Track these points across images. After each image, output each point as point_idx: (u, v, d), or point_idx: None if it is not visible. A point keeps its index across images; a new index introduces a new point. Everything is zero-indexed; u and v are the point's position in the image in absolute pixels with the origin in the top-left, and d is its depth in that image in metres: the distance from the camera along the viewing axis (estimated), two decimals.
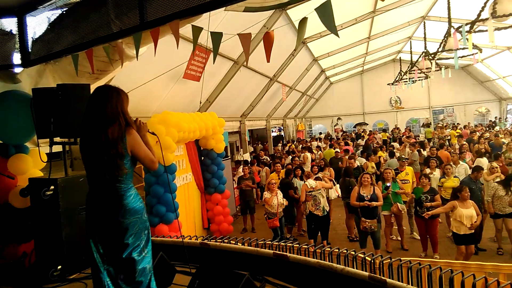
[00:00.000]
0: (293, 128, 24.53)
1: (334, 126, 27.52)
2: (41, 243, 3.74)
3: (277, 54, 13.11)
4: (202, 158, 8.89)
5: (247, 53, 2.91)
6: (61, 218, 3.53)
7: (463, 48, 10.24)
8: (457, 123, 23.73)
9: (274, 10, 9.10)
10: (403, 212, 7.50)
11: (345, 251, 4.13)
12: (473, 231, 6.22)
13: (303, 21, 2.78)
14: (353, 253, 4.15)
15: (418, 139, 19.99)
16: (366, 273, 2.74)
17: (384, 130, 24.92)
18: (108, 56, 3.89)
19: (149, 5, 2.84)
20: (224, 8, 5.43)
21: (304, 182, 7.86)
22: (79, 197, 3.04)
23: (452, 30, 9.56)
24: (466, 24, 8.10)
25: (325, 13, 2.34)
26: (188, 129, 7.08)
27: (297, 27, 3.80)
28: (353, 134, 23.07)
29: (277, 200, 7.64)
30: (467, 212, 6.21)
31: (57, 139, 3.87)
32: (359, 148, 18.19)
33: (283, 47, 12.97)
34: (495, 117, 23.72)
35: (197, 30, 2.97)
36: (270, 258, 3.32)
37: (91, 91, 2.97)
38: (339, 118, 27.61)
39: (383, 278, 2.65)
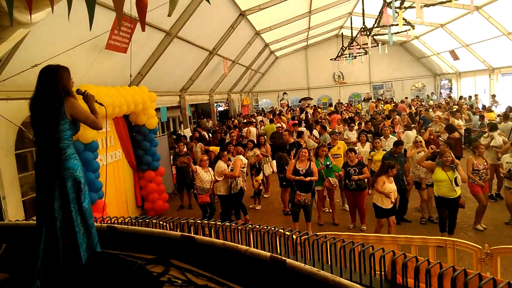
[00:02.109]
0: (238, 103, 24.30)
1: (280, 100, 27.64)
2: None
3: (216, 27, 12.71)
4: (134, 134, 8.50)
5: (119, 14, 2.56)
6: None
7: (396, 24, 10.44)
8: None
9: None
10: (335, 185, 7.66)
11: (265, 227, 4.07)
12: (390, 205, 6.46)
13: None
14: (273, 229, 4.09)
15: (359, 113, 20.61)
16: (268, 254, 2.68)
17: (330, 105, 25.47)
18: None
19: None
20: None
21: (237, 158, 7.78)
22: None
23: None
24: (396, 0, 8.20)
25: None
26: (111, 104, 6.65)
27: None
28: (298, 109, 23.33)
29: (210, 175, 7.50)
30: (392, 187, 6.43)
31: None
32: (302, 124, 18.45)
33: (221, 20, 12.58)
34: (431, 93, 24.98)
35: None
36: (178, 240, 3.17)
37: None
38: (284, 93, 27.75)
39: (283, 258, 2.60)
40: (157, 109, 11.43)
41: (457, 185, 5.97)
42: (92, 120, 2.93)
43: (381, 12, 11.06)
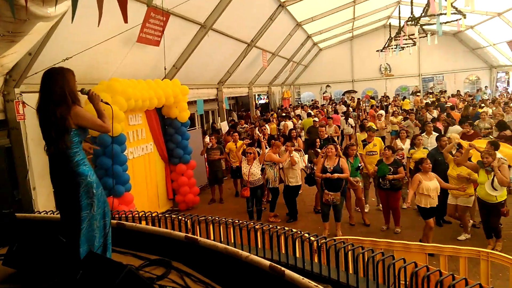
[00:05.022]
0: (279, 96, 24.03)
1: (323, 93, 27.02)
2: None
3: (254, 18, 12.52)
4: (166, 127, 8.57)
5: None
6: None
7: (444, 13, 9.72)
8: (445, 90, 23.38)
9: None
10: (358, 184, 7.28)
11: (284, 229, 3.88)
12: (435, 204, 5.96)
13: None
14: (290, 232, 3.89)
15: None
16: (268, 263, 2.51)
17: (373, 98, 24.52)
18: (14, 16, 3.47)
19: None
20: None
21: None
22: None
23: None
24: None
25: None
26: (140, 97, 6.70)
27: None
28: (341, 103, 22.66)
29: (248, 169, 7.42)
30: (432, 184, 5.97)
31: None
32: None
33: (258, 11, 12.37)
34: (485, 86, 23.30)
35: None
36: (182, 242, 3.08)
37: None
38: (328, 86, 27.07)
39: (282, 269, 2.41)
40: (194, 102, 11.55)
41: (494, 189, 5.38)
42: (99, 125, 2.90)
43: (429, 1, 10.37)
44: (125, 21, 2.46)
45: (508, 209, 5.88)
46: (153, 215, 4.01)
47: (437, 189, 5.97)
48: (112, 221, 3.60)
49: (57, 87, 2.69)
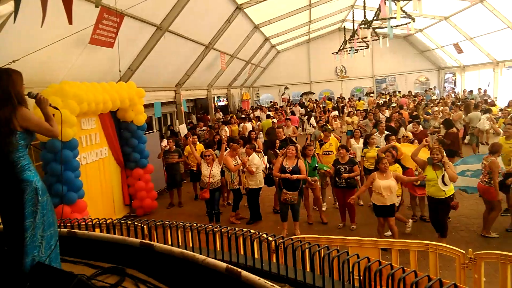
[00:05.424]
0: (238, 98, 24.07)
1: (282, 95, 27.38)
2: None
3: (211, 20, 12.48)
4: (122, 131, 8.34)
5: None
6: None
7: (395, 17, 10.15)
8: (398, 91, 24.45)
9: None
10: (316, 184, 7.43)
11: (242, 230, 3.89)
12: (387, 202, 6.12)
13: None
14: (249, 233, 3.91)
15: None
16: (225, 265, 2.51)
17: (330, 99, 25.15)
18: None
19: None
20: None
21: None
22: None
23: None
24: None
25: None
26: (93, 100, 6.48)
27: None
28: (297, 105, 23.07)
29: (209, 170, 7.35)
30: (384, 183, 6.15)
31: None
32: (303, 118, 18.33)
33: (216, 13, 12.35)
34: (434, 87, 24.58)
35: None
36: (137, 248, 3.01)
37: None
38: (286, 87, 27.46)
39: (239, 270, 2.43)
40: (151, 105, 11.32)
41: (445, 184, 5.69)
42: (46, 128, 2.77)
43: (380, 5, 10.80)
44: (70, 22, 2.39)
45: (457, 201, 6.23)
46: (108, 222, 3.89)
47: (390, 188, 6.05)
48: (63, 229, 3.46)
49: (2, 87, 2.58)
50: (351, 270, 2.86)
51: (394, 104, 17.13)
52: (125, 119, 8.23)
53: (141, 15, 8.51)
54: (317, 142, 8.50)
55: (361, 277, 2.89)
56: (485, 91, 18.50)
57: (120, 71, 8.66)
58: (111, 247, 3.18)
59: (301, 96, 26.47)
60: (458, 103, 14.58)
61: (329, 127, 9.10)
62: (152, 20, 9.09)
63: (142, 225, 3.87)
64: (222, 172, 8.01)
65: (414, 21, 11.31)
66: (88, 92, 6.38)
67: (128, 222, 3.91)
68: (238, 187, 7.90)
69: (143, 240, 3.07)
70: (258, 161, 7.68)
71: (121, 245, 3.13)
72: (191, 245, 3.69)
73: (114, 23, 7.37)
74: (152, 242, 2.99)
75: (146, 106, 9.85)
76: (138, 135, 8.36)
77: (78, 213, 5.99)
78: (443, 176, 5.67)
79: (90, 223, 3.91)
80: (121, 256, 3.12)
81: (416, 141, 7.92)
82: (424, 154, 6.37)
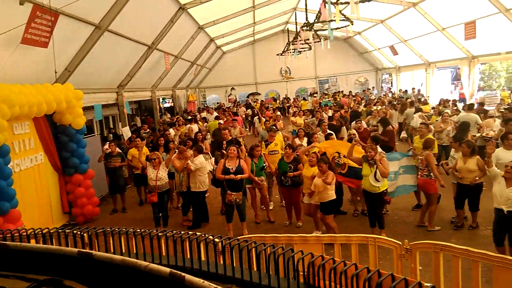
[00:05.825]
0: (184, 99, 23.73)
1: (228, 96, 27.41)
2: None
3: (154, 20, 12.19)
4: (59, 135, 7.90)
5: None
6: None
7: (334, 20, 10.53)
8: (341, 91, 25.44)
9: None
10: (263, 183, 7.54)
11: (188, 234, 3.85)
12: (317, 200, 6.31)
13: None
14: (195, 235, 3.87)
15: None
16: (168, 270, 2.46)
17: (275, 100, 25.59)
18: None
19: None
20: None
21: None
22: None
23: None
24: None
25: None
26: (26, 103, 6.09)
27: None
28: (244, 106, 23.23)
29: (155, 173, 7.14)
30: (318, 181, 6.23)
31: None
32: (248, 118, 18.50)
33: (159, 13, 12.09)
34: (372, 87, 25.86)
35: None
36: (75, 258, 2.85)
37: None
38: (232, 88, 27.54)
39: (182, 274, 2.39)
40: (91, 107, 10.83)
41: (377, 180, 6.02)
42: None
43: (320, 8, 11.16)
44: None
45: (390, 197, 6.63)
46: (44, 231, 3.66)
47: (316, 186, 6.21)
48: None
49: None
50: (295, 266, 2.94)
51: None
52: (62, 123, 7.80)
53: (78, 13, 8.12)
54: (263, 142, 8.61)
55: (305, 273, 2.99)
56: (418, 90, 19.82)
57: (56, 72, 8.19)
58: (47, 258, 2.99)
59: (248, 97, 26.67)
60: (394, 102, 15.49)
61: (276, 127, 9.26)
62: (90, 19, 8.69)
63: (82, 233, 3.69)
64: (172, 175, 7.86)
65: (352, 24, 11.77)
66: (20, 95, 5.99)
67: (67, 230, 3.72)
68: (186, 189, 7.78)
69: (81, 249, 2.93)
70: (201, 162, 7.55)
71: (58, 256, 2.94)
72: (135, 252, 3.59)
73: (49, 21, 6.96)
74: (91, 251, 2.87)
75: (86, 108, 9.42)
76: (77, 139, 7.96)
77: (12, 223, 5.61)
78: (375, 173, 6.00)
79: (25, 233, 3.66)
80: (58, 267, 2.94)
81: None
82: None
